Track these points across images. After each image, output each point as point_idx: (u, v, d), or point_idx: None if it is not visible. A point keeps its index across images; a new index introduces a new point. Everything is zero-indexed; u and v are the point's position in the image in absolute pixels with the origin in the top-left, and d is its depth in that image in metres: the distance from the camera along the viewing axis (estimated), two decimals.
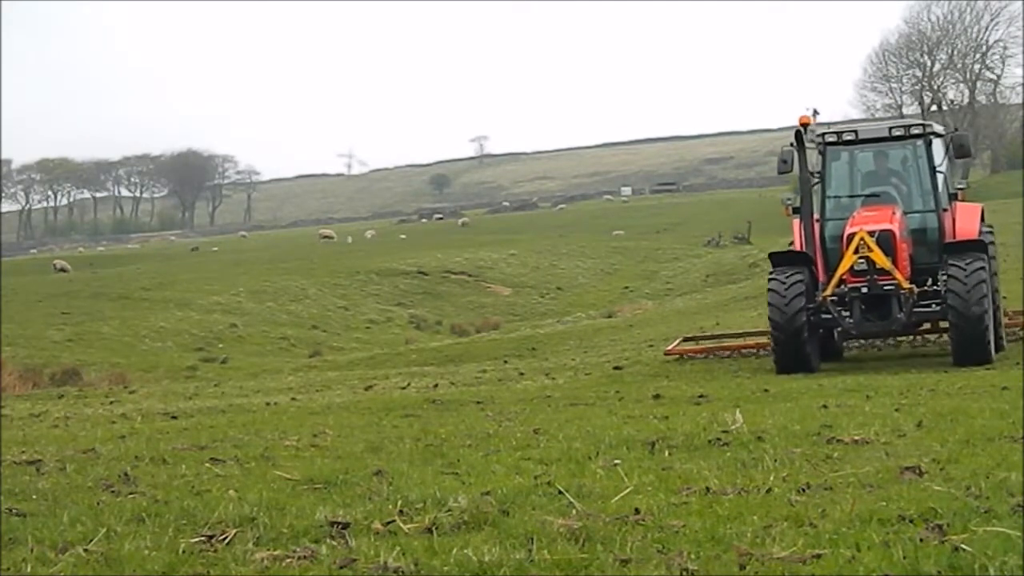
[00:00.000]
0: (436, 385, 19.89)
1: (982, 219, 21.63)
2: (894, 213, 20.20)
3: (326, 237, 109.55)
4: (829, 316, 19.86)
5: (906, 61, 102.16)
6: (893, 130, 21.11)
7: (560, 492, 6.70)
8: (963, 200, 21.28)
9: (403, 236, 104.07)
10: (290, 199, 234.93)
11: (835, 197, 21.34)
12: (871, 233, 19.58)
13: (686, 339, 25.22)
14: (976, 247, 20.06)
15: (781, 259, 20.88)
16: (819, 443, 8.57)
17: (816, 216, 21.02)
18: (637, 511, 6.08)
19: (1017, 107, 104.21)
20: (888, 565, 4.85)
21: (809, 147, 21.03)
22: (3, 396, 24.38)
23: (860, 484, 6.70)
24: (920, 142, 20.97)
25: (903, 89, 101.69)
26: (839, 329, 20.20)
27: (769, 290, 20.21)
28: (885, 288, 19.51)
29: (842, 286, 19.86)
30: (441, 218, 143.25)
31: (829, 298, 19.62)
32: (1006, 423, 9.26)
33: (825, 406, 11.73)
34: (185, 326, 50.83)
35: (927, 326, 21.77)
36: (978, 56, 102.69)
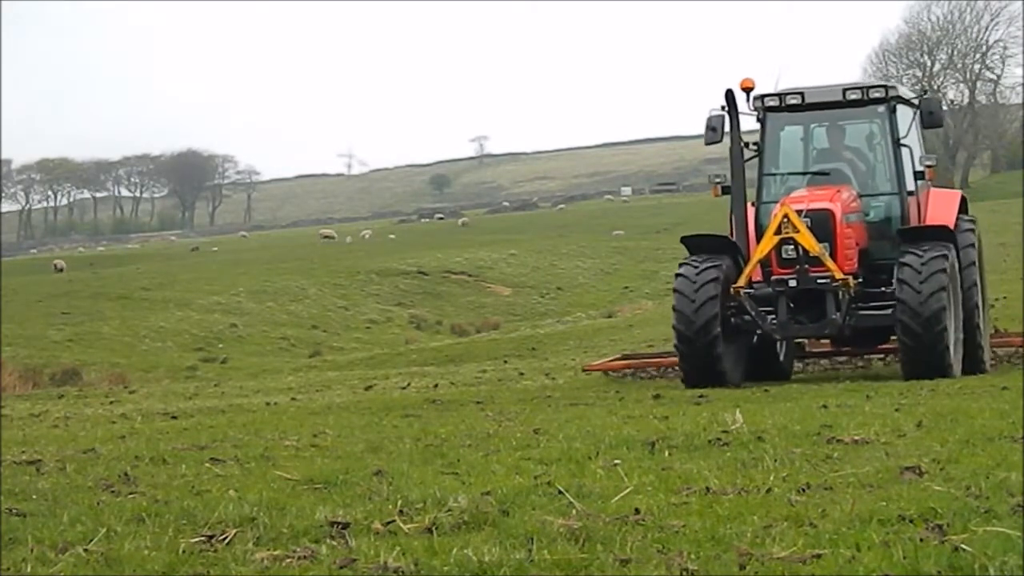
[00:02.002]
0: (436, 385, 19.90)
1: (962, 209, 18.33)
2: (839, 192, 16.91)
3: (327, 237, 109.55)
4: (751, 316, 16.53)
5: (906, 61, 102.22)
6: (848, 93, 17.50)
7: (560, 492, 6.70)
8: (932, 180, 17.96)
9: (392, 236, 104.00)
10: (290, 199, 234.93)
11: (774, 175, 17.94)
12: (801, 212, 16.22)
13: (625, 356, 21.37)
14: (939, 234, 16.79)
15: (698, 245, 17.29)
16: (819, 443, 8.57)
17: (754, 199, 17.79)
18: (637, 511, 6.08)
19: (1017, 107, 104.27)
20: (888, 565, 4.85)
21: (747, 114, 17.72)
22: (3, 396, 24.38)
23: (860, 484, 6.70)
24: (882, 108, 17.54)
25: None
26: (759, 332, 16.60)
27: (676, 281, 16.71)
28: (819, 282, 16.22)
29: (767, 281, 16.57)
30: (442, 218, 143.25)
31: (744, 291, 16.33)
32: (1006, 423, 9.26)
33: (825, 406, 11.74)
34: (185, 326, 50.85)
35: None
36: (978, 56, 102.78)
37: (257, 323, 53.10)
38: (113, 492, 7.57)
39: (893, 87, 17.93)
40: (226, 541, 5.82)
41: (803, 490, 6.57)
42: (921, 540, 5.16)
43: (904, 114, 17.81)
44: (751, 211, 17.42)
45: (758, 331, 16.68)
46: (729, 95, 17.20)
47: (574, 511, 6.13)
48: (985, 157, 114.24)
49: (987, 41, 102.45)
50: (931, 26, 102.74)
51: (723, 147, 18.02)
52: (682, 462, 7.92)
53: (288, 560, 5.38)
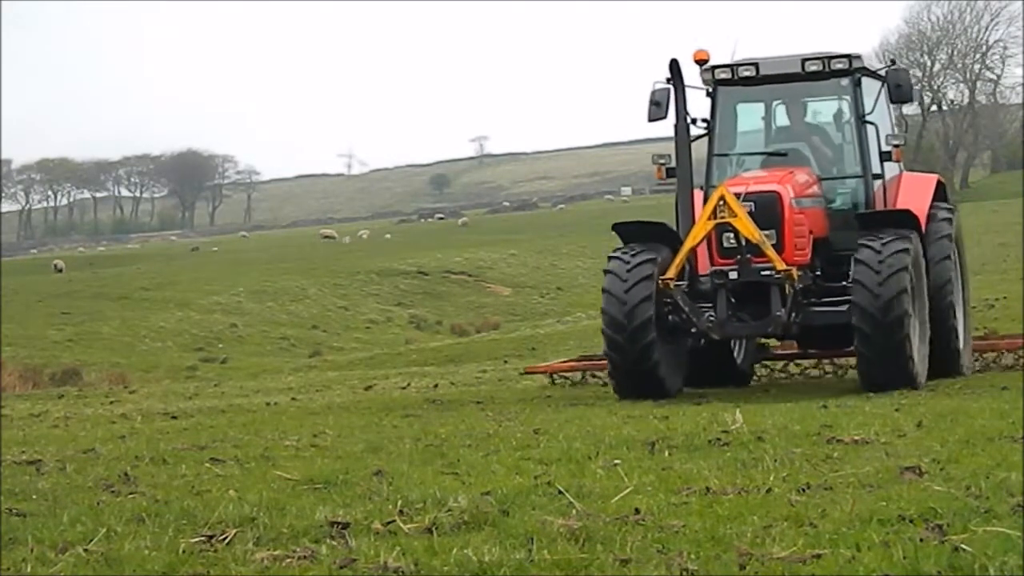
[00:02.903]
0: (436, 385, 19.89)
1: (939, 196, 16.47)
2: (792, 175, 15.12)
3: (327, 237, 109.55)
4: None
5: (906, 61, 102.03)
6: (808, 64, 15.76)
7: (560, 492, 6.70)
8: (900, 160, 16.23)
9: (388, 236, 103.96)
10: (290, 199, 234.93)
11: (724, 155, 16.23)
12: (740, 195, 14.41)
13: (584, 357, 19.53)
14: (901, 221, 14.90)
15: (633, 233, 15.42)
16: (819, 443, 8.57)
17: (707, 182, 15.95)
18: (637, 511, 6.08)
19: (1017, 107, 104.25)
20: (888, 565, 4.85)
21: (696, 87, 16.03)
22: (3, 396, 24.37)
23: (860, 484, 6.70)
24: (845, 82, 15.91)
25: None
26: (694, 330, 14.62)
27: (606, 274, 14.79)
28: (762, 274, 14.33)
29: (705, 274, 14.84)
30: (442, 218, 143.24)
31: (675, 284, 14.35)
32: (1006, 423, 9.26)
33: (825, 406, 11.74)
34: (185, 326, 50.87)
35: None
36: (978, 56, 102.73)
37: (257, 323, 53.11)
38: (113, 492, 7.58)
39: (858, 57, 16.04)
40: (226, 541, 5.82)
41: (803, 490, 6.57)
42: (921, 540, 5.16)
43: (870, 88, 16.10)
44: (699, 196, 15.28)
45: (692, 329, 14.68)
46: (673, 65, 15.24)
47: (574, 511, 6.14)
48: (985, 157, 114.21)
49: (987, 41, 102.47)
50: (931, 26, 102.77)
51: None
52: (682, 462, 7.92)
53: (288, 560, 5.38)
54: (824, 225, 15.46)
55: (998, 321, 24.61)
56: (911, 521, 5.60)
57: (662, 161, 15.64)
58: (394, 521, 6.08)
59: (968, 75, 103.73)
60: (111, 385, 29.85)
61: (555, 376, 18.17)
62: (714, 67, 15.97)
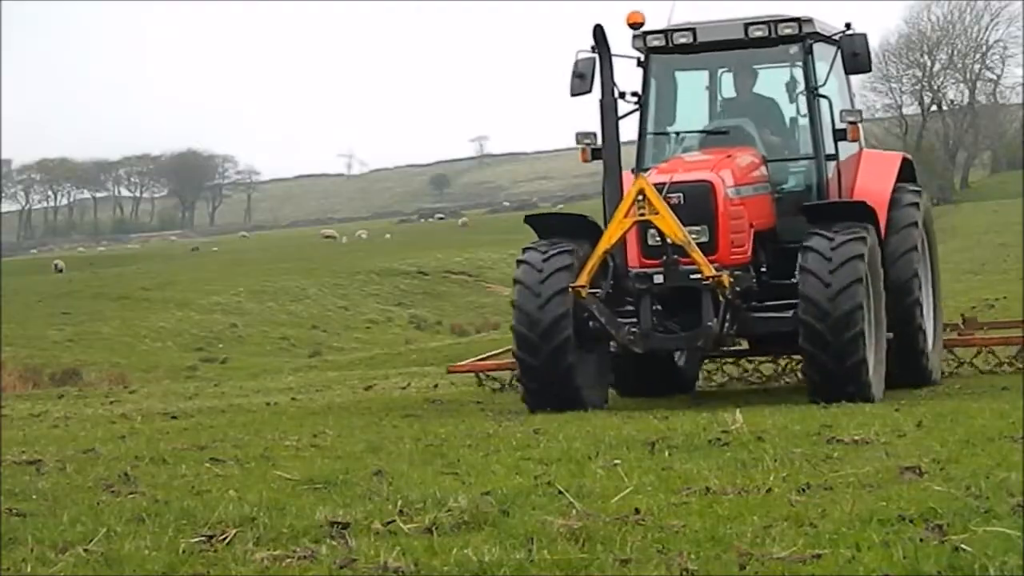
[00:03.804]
0: (436, 385, 19.89)
1: (904, 176, 14.73)
2: (731, 159, 13.42)
3: (328, 237, 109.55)
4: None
5: (906, 61, 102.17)
6: (752, 29, 13.98)
7: (560, 492, 6.70)
8: (858, 138, 14.33)
9: (388, 236, 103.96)
10: (290, 199, 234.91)
11: (658, 134, 14.42)
12: (663, 186, 12.63)
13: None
14: (855, 212, 13.32)
15: (549, 226, 13.83)
16: (819, 443, 8.57)
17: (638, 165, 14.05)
18: (637, 511, 6.09)
19: (1017, 107, 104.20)
20: (888, 565, 4.85)
21: (625, 56, 14.23)
22: (3, 396, 24.37)
23: (860, 484, 6.70)
24: (795, 49, 14.11)
25: (903, 89, 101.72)
26: (615, 344, 13.04)
27: (518, 269, 13.38)
28: (691, 277, 12.58)
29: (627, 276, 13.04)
30: (442, 218, 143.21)
31: (587, 291, 12.60)
32: (1006, 423, 9.26)
33: (825, 406, 11.74)
34: (185, 326, 50.87)
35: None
36: (978, 56, 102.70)
37: (257, 323, 53.10)
38: (113, 492, 7.58)
39: (809, 21, 14.19)
40: (226, 541, 5.82)
41: (803, 490, 6.57)
42: (921, 540, 5.16)
43: (823, 56, 14.29)
44: (629, 180, 13.10)
45: (611, 343, 13.05)
46: (598, 31, 13.32)
47: (574, 511, 6.14)
48: (985, 157, 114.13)
49: (987, 41, 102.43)
50: (931, 26, 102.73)
51: None
52: (682, 462, 7.92)
53: (288, 560, 5.39)
54: (770, 214, 13.82)
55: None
56: (911, 521, 5.60)
57: (587, 141, 13.82)
58: (394, 521, 6.08)
59: (968, 75, 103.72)
60: (111, 385, 29.83)
61: (482, 376, 16.83)
62: (646, 33, 14.17)
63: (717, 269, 12.55)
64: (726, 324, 12.84)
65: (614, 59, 13.44)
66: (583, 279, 12.64)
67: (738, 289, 12.84)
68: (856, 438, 8.64)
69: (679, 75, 14.74)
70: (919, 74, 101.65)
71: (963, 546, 4.97)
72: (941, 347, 15.54)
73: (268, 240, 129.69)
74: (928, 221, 15.09)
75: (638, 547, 5.35)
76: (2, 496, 7.48)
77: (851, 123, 13.94)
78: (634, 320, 12.92)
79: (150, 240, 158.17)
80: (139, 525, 6.34)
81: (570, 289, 12.70)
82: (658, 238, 12.76)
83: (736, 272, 12.91)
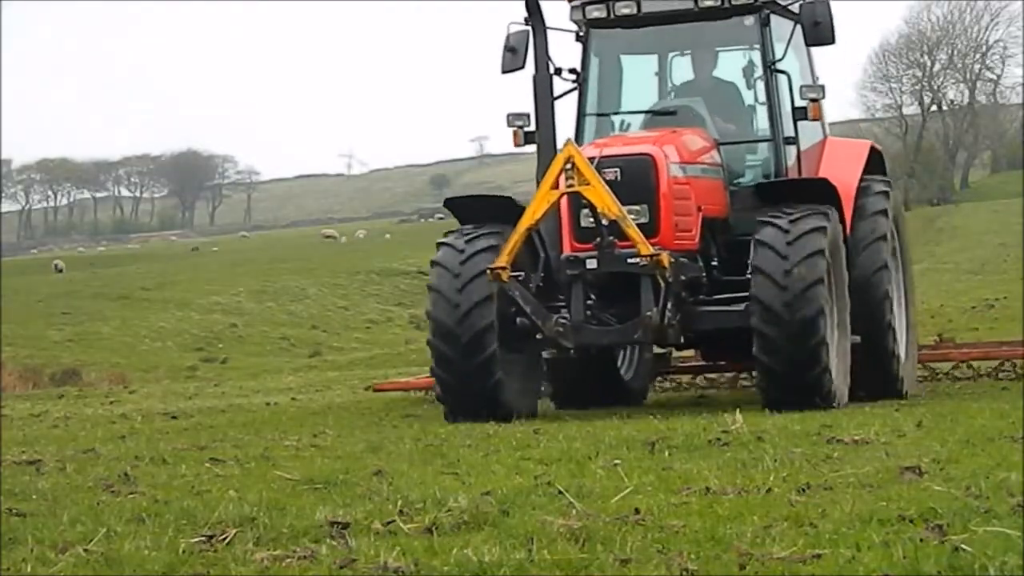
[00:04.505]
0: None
1: (874, 168, 13.40)
2: (677, 136, 12.22)
3: (328, 237, 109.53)
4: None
5: (906, 61, 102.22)
6: (701, 0, 12.83)
7: (560, 492, 6.70)
8: (820, 118, 12.94)
9: (388, 236, 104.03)
10: (290, 199, 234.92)
11: (598, 115, 13.17)
12: (594, 159, 11.42)
13: None
14: (815, 192, 12.02)
15: (471, 211, 12.47)
16: (819, 443, 8.57)
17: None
18: (637, 511, 6.08)
19: (1017, 107, 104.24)
20: (888, 565, 4.85)
21: (564, 30, 13.09)
22: (3, 396, 24.37)
23: (860, 484, 6.70)
24: (750, 21, 12.84)
25: (903, 89, 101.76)
26: (540, 336, 11.58)
27: (433, 271, 11.97)
28: (629, 262, 11.30)
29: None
30: (442, 218, 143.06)
31: (509, 273, 11.28)
32: (1006, 423, 9.26)
33: (825, 407, 11.73)
34: (185, 326, 50.87)
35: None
36: (978, 56, 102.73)
37: (257, 323, 53.11)
38: (113, 492, 7.57)
39: None
40: (226, 541, 5.82)
41: (803, 490, 6.57)
42: (921, 540, 5.16)
43: (780, 28, 13.00)
44: None
45: (538, 335, 11.63)
46: (531, 1, 12.20)
47: (574, 511, 6.14)
48: (985, 157, 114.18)
49: (987, 41, 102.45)
50: (931, 26, 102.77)
51: None
52: (682, 462, 7.92)
53: (288, 560, 5.38)
54: (722, 201, 12.57)
55: (998, 321, 24.63)
56: (911, 521, 5.60)
57: (519, 123, 12.63)
58: (394, 521, 6.08)
59: (968, 75, 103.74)
60: (111, 385, 29.83)
61: (414, 393, 15.41)
62: (585, 4, 12.99)
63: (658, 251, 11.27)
64: (668, 314, 11.35)
65: (551, 32, 12.42)
66: (503, 259, 11.28)
67: (683, 278, 11.58)
68: (856, 438, 8.64)
69: (611, 51, 13.41)
70: (919, 74, 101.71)
71: (963, 546, 4.97)
72: (915, 358, 14.07)
73: (268, 240, 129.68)
74: (899, 217, 13.75)
75: (638, 547, 5.35)
76: (2, 496, 7.48)
77: (812, 100, 12.60)
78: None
79: (150, 240, 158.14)
80: (139, 525, 6.34)
81: (489, 272, 11.25)
82: (592, 219, 11.45)
83: (681, 258, 11.65)
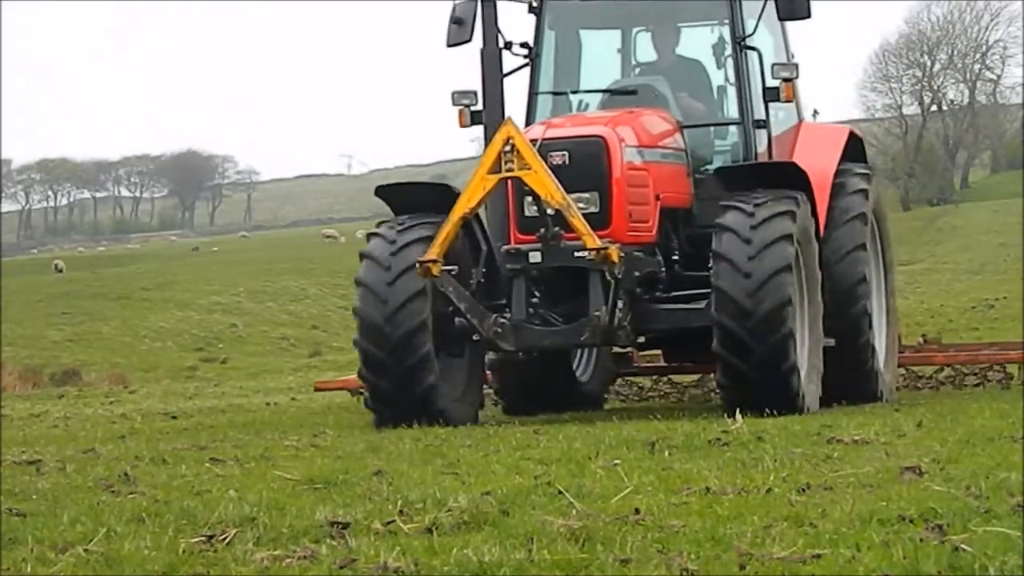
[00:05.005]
0: None
1: (850, 155, 12.47)
2: (635, 117, 11.33)
3: (329, 237, 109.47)
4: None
5: (906, 61, 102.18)
6: None
7: (560, 492, 6.70)
8: (793, 99, 11.98)
9: None
10: (290, 199, 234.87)
11: (552, 94, 12.24)
12: (540, 142, 10.60)
13: None
14: (783, 176, 11.11)
15: (405, 200, 11.50)
16: (819, 443, 8.57)
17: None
18: (637, 511, 6.08)
19: (1017, 107, 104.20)
20: (888, 565, 4.85)
21: (510, 1, 12.08)
22: (3, 396, 24.37)
23: (860, 484, 6.70)
24: None
25: (903, 89, 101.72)
26: (477, 337, 10.81)
27: (362, 266, 11.01)
28: (576, 257, 10.45)
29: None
30: None
31: (442, 267, 10.37)
32: (1006, 423, 9.27)
33: (825, 407, 11.73)
34: (185, 326, 50.89)
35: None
36: (978, 56, 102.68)
37: (257, 323, 53.11)
38: (113, 492, 7.57)
39: None
40: (226, 541, 5.82)
41: (803, 490, 6.57)
42: (921, 540, 5.16)
43: (752, 2, 12.05)
44: None
45: (475, 338, 10.81)
46: None
47: (574, 511, 6.13)
48: (985, 157, 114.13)
49: (987, 41, 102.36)
50: (931, 26, 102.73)
51: None
52: (682, 462, 7.92)
53: (288, 560, 5.38)
54: (685, 191, 11.66)
55: (998, 321, 24.64)
56: (911, 521, 5.59)
57: (465, 102, 11.60)
58: (394, 521, 6.08)
59: (968, 75, 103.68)
60: (111, 385, 29.84)
61: (356, 392, 14.20)
62: None
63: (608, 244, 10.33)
64: (618, 314, 10.48)
65: (501, 3, 11.57)
66: (434, 251, 10.30)
67: (637, 273, 10.77)
68: (856, 438, 8.64)
69: (567, 25, 12.45)
70: (919, 74, 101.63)
71: (963, 546, 4.96)
72: (895, 363, 13.16)
73: (268, 240, 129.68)
74: (879, 209, 12.87)
75: (638, 547, 5.35)
76: (2, 496, 7.47)
77: (785, 80, 11.62)
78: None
79: (150, 240, 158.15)
80: (139, 525, 6.33)
81: (418, 265, 10.27)
82: (536, 208, 10.53)
83: (636, 252, 10.81)
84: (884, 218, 13.15)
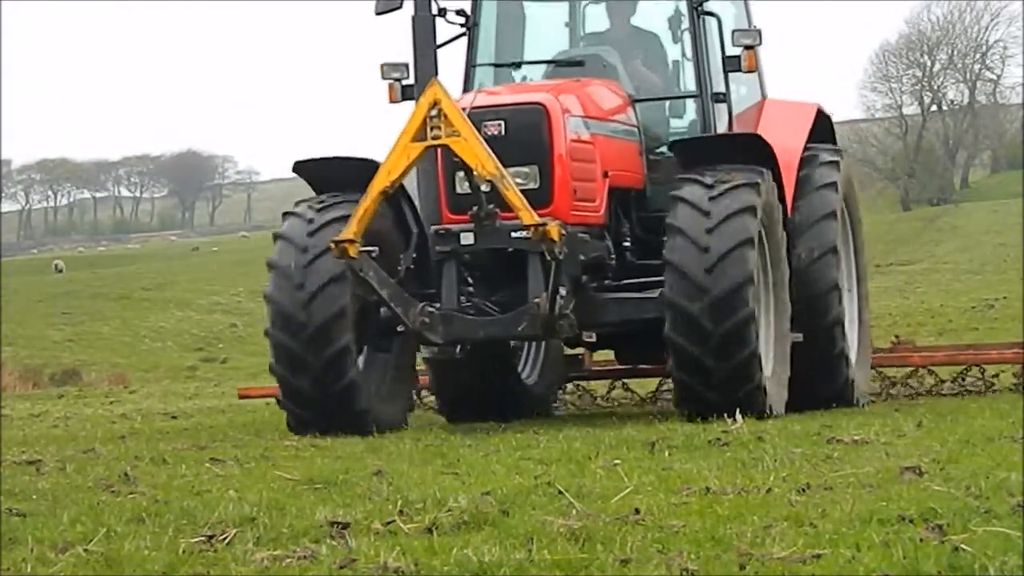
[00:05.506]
0: None
1: (819, 135, 11.49)
2: (580, 85, 10.45)
3: None
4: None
5: (906, 61, 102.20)
6: None
7: (560, 492, 6.70)
8: (755, 69, 10.82)
9: None
10: (290, 199, 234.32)
11: (493, 66, 11.34)
12: (471, 109, 9.57)
13: None
14: (747, 151, 10.17)
15: (325, 176, 10.44)
16: (819, 443, 8.57)
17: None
18: (637, 511, 6.08)
19: (1017, 107, 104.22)
20: (888, 565, 4.85)
21: None
22: (3, 396, 24.37)
23: (860, 484, 6.70)
24: None
25: (903, 89, 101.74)
26: (401, 328, 9.80)
27: (276, 247, 10.22)
28: (514, 237, 9.43)
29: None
30: None
31: (360, 248, 9.32)
32: (1006, 423, 9.27)
33: (825, 407, 11.73)
34: (185, 326, 50.89)
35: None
36: (978, 56, 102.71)
37: (257, 323, 52.93)
38: (113, 492, 7.57)
39: None
40: (226, 541, 5.82)
41: (803, 490, 6.57)
42: (921, 540, 5.15)
43: None
44: None
45: (399, 329, 9.82)
46: None
47: (574, 511, 6.13)
48: (985, 157, 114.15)
49: (987, 41, 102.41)
50: (931, 26, 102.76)
51: None
52: (682, 462, 7.92)
53: (288, 560, 5.38)
54: (637, 169, 10.73)
55: (998, 321, 24.62)
56: (911, 521, 5.59)
57: (396, 75, 10.60)
58: (394, 521, 6.08)
59: (968, 75, 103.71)
60: (111, 385, 29.86)
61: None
62: None
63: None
64: (560, 301, 9.43)
65: None
66: (351, 230, 9.25)
67: (582, 257, 9.83)
68: (856, 438, 8.64)
69: (527, 2, 11.55)
70: (919, 74, 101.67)
71: (963, 546, 4.96)
72: (868, 362, 12.40)
73: (268, 240, 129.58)
74: (850, 193, 11.86)
75: (638, 547, 5.35)
76: (2, 496, 7.47)
77: (747, 48, 10.60)
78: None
79: (150, 240, 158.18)
80: (139, 525, 6.33)
81: (333, 245, 9.26)
82: (468, 183, 9.42)
83: (581, 234, 9.86)
84: (855, 202, 12.17)
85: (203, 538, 5.87)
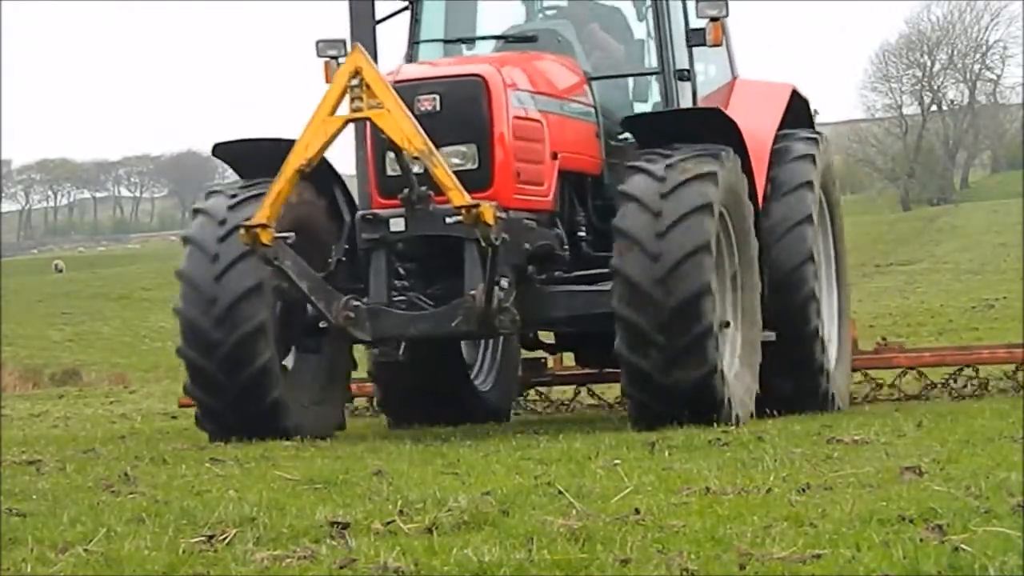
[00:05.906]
0: None
1: (795, 119, 10.72)
2: (527, 60, 9.71)
3: None
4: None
5: (906, 61, 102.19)
6: None
7: (560, 492, 6.70)
8: (721, 42, 9.92)
9: None
10: None
11: (438, 42, 10.55)
12: (403, 82, 8.85)
13: None
14: (708, 127, 9.31)
15: (250, 161, 9.69)
16: (819, 443, 8.57)
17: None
18: (637, 511, 6.08)
19: (1017, 107, 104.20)
20: (888, 565, 4.85)
21: None
22: (3, 396, 24.37)
23: (860, 484, 6.70)
24: None
25: (903, 89, 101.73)
26: (324, 324, 9.10)
27: (187, 250, 9.61)
28: (448, 223, 8.61)
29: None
30: None
31: (274, 234, 8.52)
32: (1006, 423, 9.27)
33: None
34: None
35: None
36: (978, 56, 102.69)
37: None
38: (113, 492, 7.57)
39: None
40: (226, 541, 5.82)
41: (803, 490, 6.57)
42: (921, 540, 5.16)
43: None
44: None
45: (322, 324, 9.06)
46: None
47: (574, 511, 6.13)
48: (985, 157, 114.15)
49: (987, 41, 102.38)
50: (931, 26, 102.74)
51: None
52: (682, 462, 7.92)
53: (288, 560, 5.38)
54: (593, 153, 9.90)
55: (998, 321, 24.61)
56: (911, 521, 5.59)
57: (332, 52, 9.68)
58: (394, 521, 6.08)
59: (968, 75, 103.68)
60: (111, 385, 29.85)
61: None
62: None
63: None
64: (499, 294, 8.63)
65: None
66: (263, 214, 8.38)
67: (527, 246, 8.98)
68: (856, 438, 8.64)
69: None
70: (919, 74, 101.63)
71: (963, 546, 4.96)
72: (849, 365, 11.73)
73: None
74: (830, 182, 11.00)
75: (638, 547, 5.35)
76: (2, 496, 7.47)
77: (712, 19, 9.64)
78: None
79: (150, 240, 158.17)
80: (139, 525, 6.33)
81: (243, 231, 8.36)
82: (399, 165, 8.60)
83: (526, 220, 9.04)
84: (835, 193, 11.37)
85: (203, 538, 5.87)
